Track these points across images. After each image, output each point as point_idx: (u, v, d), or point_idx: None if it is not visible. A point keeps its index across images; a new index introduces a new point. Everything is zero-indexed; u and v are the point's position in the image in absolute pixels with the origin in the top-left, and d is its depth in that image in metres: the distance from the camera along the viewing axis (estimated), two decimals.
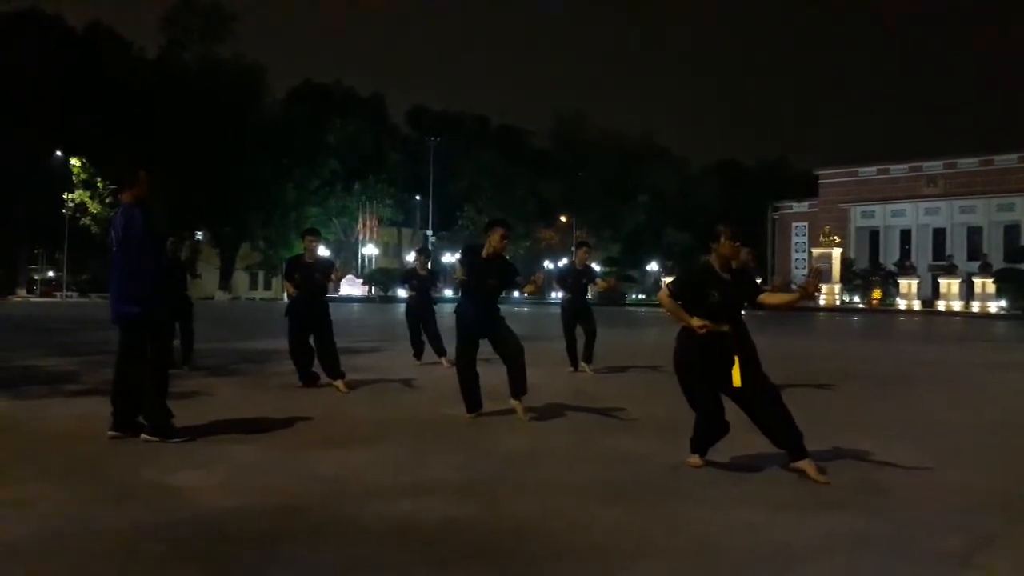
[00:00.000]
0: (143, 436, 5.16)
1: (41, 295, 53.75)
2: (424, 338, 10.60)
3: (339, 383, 7.71)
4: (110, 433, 5.20)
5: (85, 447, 5.05)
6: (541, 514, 3.77)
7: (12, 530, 3.42)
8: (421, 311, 10.61)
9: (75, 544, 3.28)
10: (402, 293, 54.04)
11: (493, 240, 6.27)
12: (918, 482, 4.51)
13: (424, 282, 10.74)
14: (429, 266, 11.07)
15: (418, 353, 10.63)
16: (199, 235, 11.24)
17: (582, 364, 9.68)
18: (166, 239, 5.55)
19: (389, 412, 6.69)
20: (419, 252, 11.49)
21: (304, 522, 3.59)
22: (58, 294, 52.74)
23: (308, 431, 5.74)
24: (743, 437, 4.77)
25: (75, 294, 53.58)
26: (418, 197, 64.94)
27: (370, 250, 57.08)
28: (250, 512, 3.72)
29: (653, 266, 61.42)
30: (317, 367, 7.90)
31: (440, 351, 10.26)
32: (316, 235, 8.23)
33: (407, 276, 11.17)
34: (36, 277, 59.34)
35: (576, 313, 9.74)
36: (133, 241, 5.18)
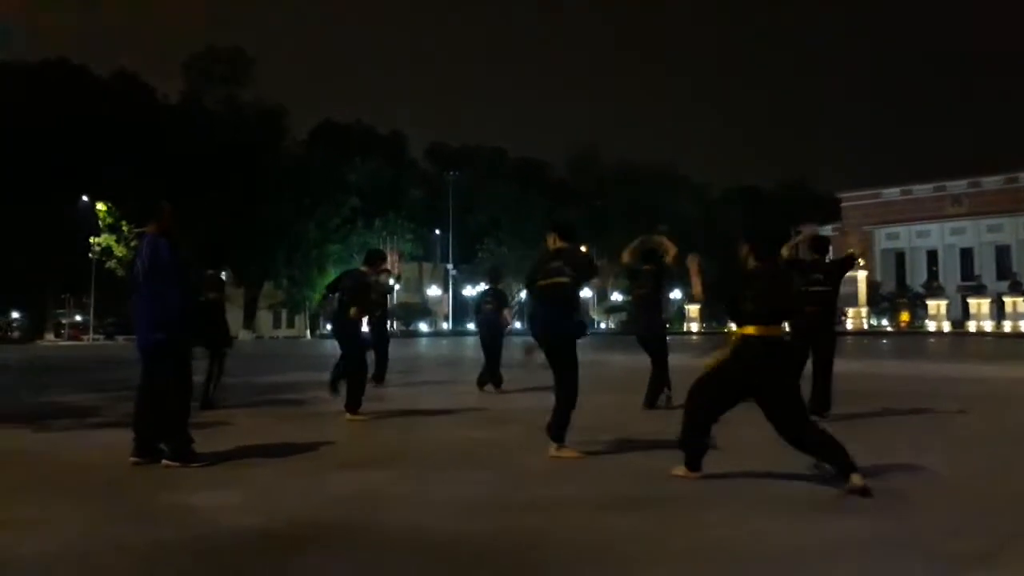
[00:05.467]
0: (164, 461, 5.25)
1: (69, 339, 54.52)
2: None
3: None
4: (132, 459, 5.29)
5: (107, 472, 5.14)
6: (554, 525, 3.79)
7: (35, 546, 3.50)
8: (490, 340, 10.35)
9: (98, 559, 3.36)
10: (424, 327, 53.56)
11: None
12: (933, 487, 4.49)
13: (491, 311, 10.50)
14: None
15: (496, 382, 10.27)
16: (224, 274, 11.25)
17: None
18: (191, 269, 5.66)
19: (410, 436, 6.76)
20: (490, 279, 11.40)
21: (320, 536, 3.64)
22: (85, 337, 53.47)
23: (328, 455, 5.80)
24: (756, 446, 4.76)
25: (101, 337, 54.30)
26: (437, 231, 65.39)
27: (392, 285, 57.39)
28: (268, 528, 3.78)
29: (676, 294, 61.11)
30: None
31: (498, 382, 10.20)
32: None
33: (477, 307, 11.03)
34: (64, 321, 60.23)
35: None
36: (159, 270, 5.31)
